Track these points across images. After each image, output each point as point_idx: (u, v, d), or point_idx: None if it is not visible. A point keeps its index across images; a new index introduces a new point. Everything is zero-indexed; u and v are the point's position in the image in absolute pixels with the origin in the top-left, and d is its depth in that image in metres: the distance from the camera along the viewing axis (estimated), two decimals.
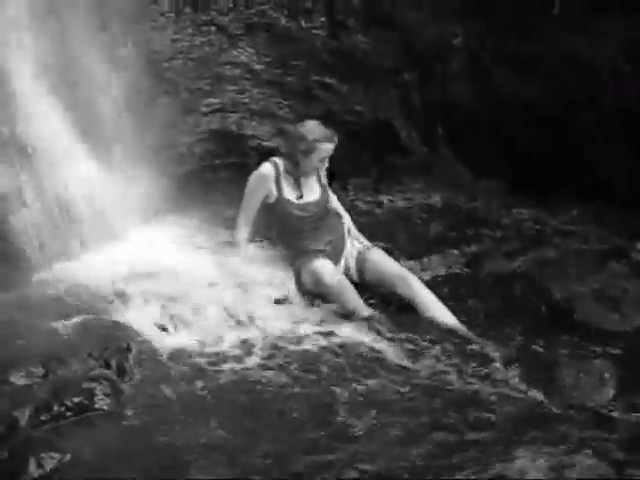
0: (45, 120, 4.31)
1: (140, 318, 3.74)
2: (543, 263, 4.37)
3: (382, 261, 4.06)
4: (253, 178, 4.11)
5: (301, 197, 4.09)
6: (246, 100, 5.22)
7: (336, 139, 4.02)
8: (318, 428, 2.99)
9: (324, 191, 4.20)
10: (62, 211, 4.30)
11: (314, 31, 5.31)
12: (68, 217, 4.27)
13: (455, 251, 4.49)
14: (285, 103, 5.28)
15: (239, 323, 3.81)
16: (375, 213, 4.88)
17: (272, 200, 4.09)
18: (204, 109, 5.12)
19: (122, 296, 3.88)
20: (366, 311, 3.88)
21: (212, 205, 4.95)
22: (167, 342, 3.59)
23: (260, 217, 4.19)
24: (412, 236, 4.68)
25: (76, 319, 3.61)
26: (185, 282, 4.09)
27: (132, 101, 4.66)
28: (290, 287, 4.06)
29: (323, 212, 4.17)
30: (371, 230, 4.55)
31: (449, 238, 4.65)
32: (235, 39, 5.23)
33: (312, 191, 4.15)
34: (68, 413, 3.06)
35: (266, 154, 5.01)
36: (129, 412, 3.12)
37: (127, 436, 2.99)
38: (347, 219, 4.32)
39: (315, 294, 4.00)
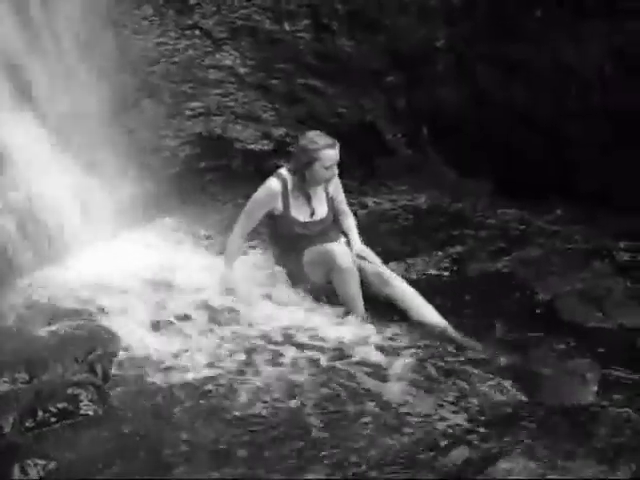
0: (29, 127, 4.31)
1: (125, 323, 3.74)
2: (528, 263, 4.40)
3: (364, 264, 4.03)
4: (260, 193, 4.02)
5: (312, 214, 4.05)
6: (231, 103, 5.22)
7: (337, 146, 3.95)
8: (301, 433, 2.99)
9: (331, 206, 4.14)
10: (45, 216, 4.29)
11: (298, 34, 5.32)
12: (51, 222, 4.26)
13: (440, 252, 4.50)
14: (270, 106, 5.28)
15: (224, 326, 3.80)
16: (360, 215, 4.88)
17: (277, 213, 4.04)
18: (188, 113, 5.11)
19: (107, 301, 3.88)
20: (360, 311, 3.87)
21: (197, 208, 4.95)
22: (152, 347, 3.58)
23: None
24: (397, 237, 4.69)
25: (60, 325, 3.61)
26: (171, 286, 4.09)
27: (116, 105, 4.65)
28: (281, 285, 4.06)
29: (326, 228, 4.12)
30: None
31: (434, 239, 4.66)
32: (219, 43, 5.22)
33: (318, 207, 4.09)
34: (53, 419, 3.07)
35: (251, 157, 5.05)
36: (114, 417, 3.12)
37: (112, 441, 2.99)
38: (351, 219, 4.26)
39: (320, 283, 3.97)
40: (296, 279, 4.06)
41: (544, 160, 5.02)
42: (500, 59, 5.09)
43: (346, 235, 4.20)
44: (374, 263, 4.04)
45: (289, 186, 4.00)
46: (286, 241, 4.09)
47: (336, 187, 4.19)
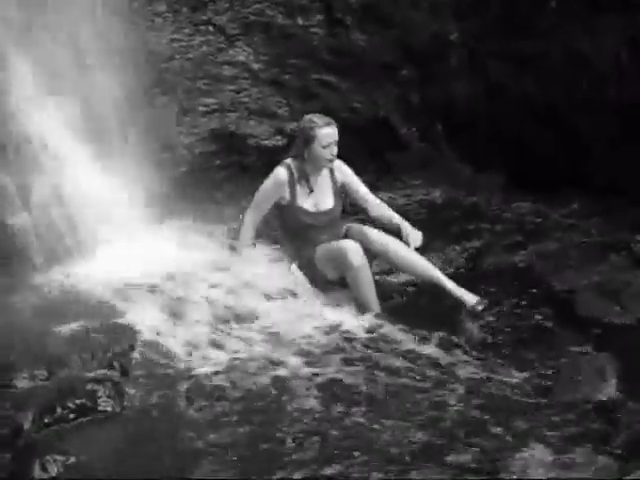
0: (46, 123, 4.33)
1: (143, 320, 3.74)
2: (544, 256, 4.38)
3: (351, 226, 4.08)
4: (268, 183, 4.06)
5: (317, 205, 4.07)
6: (244, 99, 5.21)
7: (335, 125, 3.97)
8: (323, 430, 2.99)
9: (338, 196, 4.15)
10: (63, 213, 4.31)
11: (312, 29, 5.30)
12: (69, 219, 4.27)
13: (456, 246, 4.50)
14: (284, 102, 5.28)
15: (243, 323, 3.81)
16: None
17: (284, 203, 4.07)
18: (202, 109, 5.11)
19: (125, 298, 3.89)
20: (376, 306, 3.88)
21: (212, 205, 4.95)
22: (170, 343, 3.59)
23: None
24: None
25: (78, 322, 3.63)
26: (188, 283, 4.09)
27: (131, 102, 4.66)
28: (298, 277, 4.06)
29: (334, 219, 4.13)
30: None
31: (450, 233, 4.64)
32: (233, 39, 5.22)
33: (325, 196, 4.11)
34: (71, 415, 3.08)
35: (265, 153, 5.04)
36: (133, 414, 3.14)
37: (131, 438, 3.01)
38: (375, 201, 4.22)
39: (331, 279, 3.98)
40: (309, 274, 4.06)
41: (557, 154, 4.99)
42: (513, 53, 5.06)
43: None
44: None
45: (295, 175, 4.02)
46: (296, 234, 4.10)
47: (347, 176, 4.17)
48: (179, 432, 3.02)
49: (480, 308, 3.79)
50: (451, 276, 4.04)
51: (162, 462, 2.87)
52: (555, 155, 4.98)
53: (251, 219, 4.14)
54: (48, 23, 4.41)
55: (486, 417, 3.04)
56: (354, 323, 3.77)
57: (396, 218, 4.16)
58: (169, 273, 4.15)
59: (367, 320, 3.80)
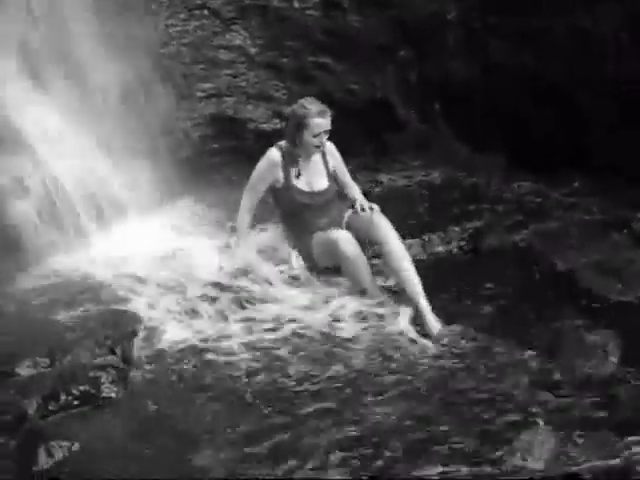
0: (44, 111, 4.31)
1: (145, 306, 3.74)
2: (545, 235, 4.37)
3: (361, 217, 4.04)
4: (261, 164, 4.05)
5: (307, 182, 4.05)
6: (242, 83, 5.19)
7: (329, 114, 3.93)
8: (324, 415, 3.00)
9: (332, 179, 4.15)
10: (63, 201, 4.30)
11: (307, 11, 5.27)
12: (69, 206, 4.27)
13: (457, 227, 4.47)
14: (281, 85, 5.25)
15: (246, 307, 3.81)
16: (374, 192, 4.86)
17: (279, 185, 4.06)
18: (200, 94, 5.09)
19: (125, 284, 3.89)
20: (375, 291, 3.87)
21: (211, 189, 4.93)
22: (173, 329, 3.60)
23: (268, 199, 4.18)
24: (413, 213, 4.66)
25: (80, 308, 3.63)
26: (190, 268, 4.09)
27: (128, 88, 4.64)
28: (297, 263, 4.05)
29: (329, 200, 4.12)
30: None
31: (450, 214, 4.62)
32: (228, 22, 5.19)
33: (318, 177, 4.10)
34: (75, 402, 3.10)
35: (264, 137, 5.02)
36: (136, 400, 3.15)
37: (134, 423, 3.02)
38: (356, 189, 4.27)
39: (327, 268, 3.98)
40: (307, 261, 4.06)
41: (557, 132, 4.96)
42: (512, 31, 5.02)
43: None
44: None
45: (288, 157, 4.02)
46: (294, 218, 4.10)
47: (337, 160, 4.19)
48: (182, 417, 3.03)
49: (441, 340, 3.59)
50: (452, 257, 4.03)
51: (165, 447, 2.88)
52: (555, 134, 4.95)
53: (247, 202, 4.13)
54: (43, 9, 4.38)
55: (488, 397, 3.04)
56: (353, 307, 3.76)
57: (357, 194, 4.22)
58: (170, 258, 4.15)
59: (364, 304, 3.79)
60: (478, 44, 5.22)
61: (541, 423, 2.86)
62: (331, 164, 4.17)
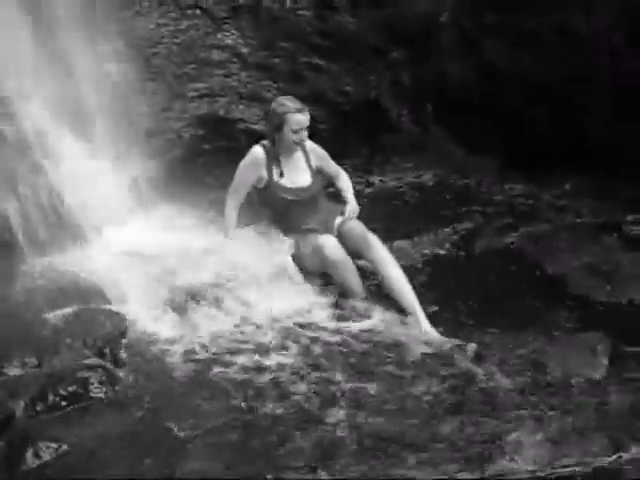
0: (32, 109, 4.29)
1: (133, 306, 3.73)
2: (536, 238, 4.39)
3: (351, 227, 4.04)
4: (244, 163, 4.09)
5: (290, 179, 4.05)
6: (233, 84, 5.17)
7: (307, 111, 3.97)
8: (317, 419, 3.00)
9: (315, 176, 4.16)
10: (53, 201, 4.28)
11: (300, 12, 5.26)
12: (59, 207, 4.25)
13: (447, 229, 4.49)
14: (273, 86, 5.23)
15: (234, 308, 3.80)
16: (366, 193, 4.87)
17: (263, 184, 4.08)
18: (191, 94, 5.07)
19: (114, 284, 3.87)
20: (360, 291, 3.88)
21: (202, 189, 4.91)
22: (161, 329, 3.59)
23: (253, 199, 4.18)
24: (404, 215, 4.67)
25: (69, 309, 3.61)
26: (179, 268, 4.07)
27: (118, 88, 4.62)
28: (289, 263, 4.04)
29: (315, 195, 4.14)
30: (363, 211, 4.52)
31: (441, 216, 4.63)
32: (220, 22, 5.17)
33: (301, 173, 4.11)
34: (63, 402, 3.09)
35: (255, 137, 4.99)
36: (124, 400, 3.14)
37: (123, 424, 3.01)
38: (343, 177, 4.30)
39: (315, 272, 3.98)
40: (295, 260, 4.06)
41: (550, 134, 4.97)
42: (505, 30, 5.02)
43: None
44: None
45: (271, 155, 4.04)
46: (282, 217, 4.10)
47: (320, 156, 4.21)
48: (171, 418, 3.02)
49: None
50: (443, 259, 4.02)
51: (154, 448, 2.87)
52: (549, 134, 4.96)
53: (232, 201, 4.16)
54: (33, 9, 4.35)
55: (478, 397, 3.05)
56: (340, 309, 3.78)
57: (347, 193, 4.24)
58: (159, 258, 4.13)
59: (352, 305, 3.81)
60: (472, 45, 5.22)
61: (530, 424, 2.86)
62: (313, 161, 4.18)
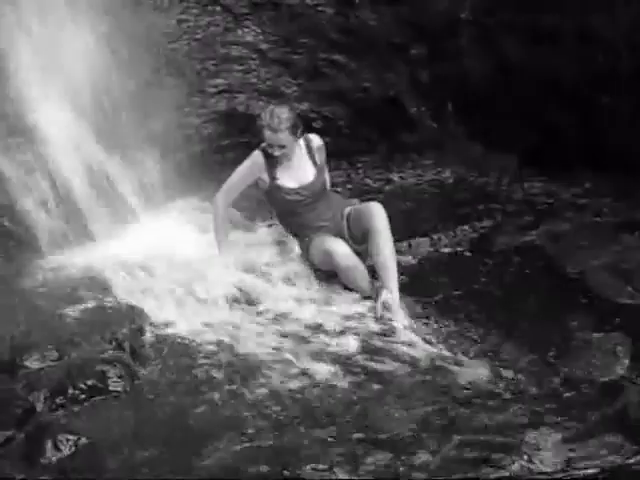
0: (53, 106, 4.32)
1: (152, 301, 3.75)
2: (556, 237, 4.35)
3: (360, 206, 4.07)
4: (244, 165, 4.10)
5: (292, 178, 4.06)
6: (253, 80, 5.17)
7: (280, 132, 3.90)
8: (331, 414, 3.01)
9: (319, 172, 4.15)
10: (73, 196, 4.31)
11: (320, 8, 5.24)
12: (75, 202, 4.28)
13: (467, 227, 4.46)
14: (293, 82, 5.23)
15: (251, 305, 3.81)
16: (385, 190, 4.85)
17: (266, 187, 4.09)
18: (211, 90, 5.08)
19: (133, 279, 3.89)
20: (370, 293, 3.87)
21: (220, 185, 4.90)
22: (179, 324, 3.60)
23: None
24: (423, 212, 4.65)
25: (88, 303, 3.64)
26: (197, 264, 4.09)
27: (139, 83, 4.64)
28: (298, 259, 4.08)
29: (319, 192, 4.13)
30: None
31: (461, 214, 4.61)
32: (240, 18, 5.18)
33: (303, 170, 4.10)
34: (83, 396, 3.11)
35: None
36: (143, 394, 3.16)
37: (141, 417, 3.03)
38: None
39: (324, 270, 3.99)
40: (303, 259, 4.09)
41: (570, 132, 4.93)
42: (526, 28, 4.98)
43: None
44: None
45: (271, 157, 4.03)
46: (290, 218, 4.12)
47: (324, 160, 4.21)
48: (189, 412, 3.03)
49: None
50: (462, 256, 3.97)
51: (172, 442, 2.88)
52: (568, 133, 4.92)
53: (223, 201, 4.14)
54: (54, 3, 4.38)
55: (495, 398, 3.03)
56: (353, 308, 3.78)
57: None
58: (177, 254, 4.15)
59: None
60: (491, 42, 5.19)
61: (549, 424, 2.84)
62: (318, 158, 4.17)
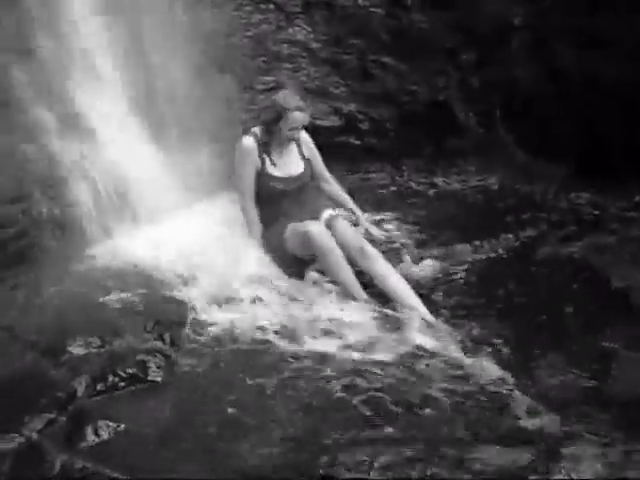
0: (106, 99, 4.39)
1: (193, 293, 3.79)
2: (601, 249, 4.27)
3: (345, 232, 3.97)
4: (239, 157, 4.09)
5: (281, 168, 4.07)
6: (302, 78, 5.21)
7: (307, 111, 3.98)
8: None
9: (307, 165, 4.18)
10: (119, 186, 4.37)
11: (372, 9, 5.25)
12: (121, 193, 4.33)
13: (510, 234, 4.41)
14: (341, 82, 5.25)
15: (290, 301, 3.82)
16: (429, 194, 4.83)
17: (258, 171, 4.10)
18: (260, 87, 5.13)
19: (175, 272, 3.94)
20: (358, 292, 3.82)
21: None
22: (220, 317, 3.63)
23: None
24: (466, 218, 4.62)
25: (132, 293, 3.69)
26: (239, 258, 4.11)
27: (189, 78, 4.69)
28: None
29: (306, 184, 4.16)
30: (424, 211, 4.51)
31: (504, 221, 4.56)
32: (292, 17, 5.22)
33: (293, 163, 4.14)
34: (122, 384, 3.16)
35: (320, 132, 5.02)
36: (181, 385, 3.19)
37: (179, 408, 3.05)
38: (335, 186, 4.32)
39: (301, 258, 3.97)
40: (276, 249, 4.02)
41: (622, 142, 4.85)
42: (578, 35, 4.92)
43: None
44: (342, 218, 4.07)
45: (262, 143, 4.05)
46: (269, 206, 4.10)
47: (312, 151, 4.23)
48: (226, 405, 3.05)
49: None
50: (504, 265, 3.92)
51: (208, 433, 2.91)
52: (619, 144, 4.84)
53: (248, 199, 4.12)
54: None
55: (537, 412, 3.00)
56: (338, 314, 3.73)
57: (351, 204, 4.27)
58: (220, 248, 4.17)
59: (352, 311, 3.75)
60: (543, 48, 5.14)
61: (589, 439, 2.80)
62: (306, 153, 4.21)
